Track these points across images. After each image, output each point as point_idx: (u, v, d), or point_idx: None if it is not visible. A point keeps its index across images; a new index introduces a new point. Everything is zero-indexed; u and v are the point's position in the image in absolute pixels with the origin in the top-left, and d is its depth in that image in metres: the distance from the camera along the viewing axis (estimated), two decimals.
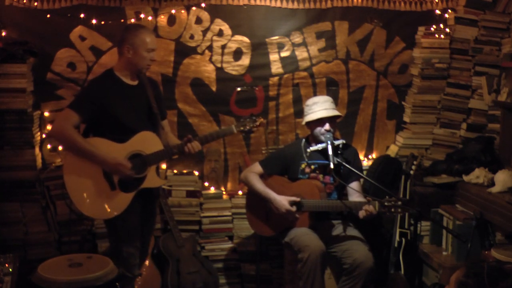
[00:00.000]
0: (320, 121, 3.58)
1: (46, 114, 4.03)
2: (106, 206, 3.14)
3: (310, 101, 3.68)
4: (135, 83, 3.25)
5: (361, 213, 3.35)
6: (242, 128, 3.35)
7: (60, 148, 4.02)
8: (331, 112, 3.59)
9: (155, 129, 3.24)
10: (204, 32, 4.17)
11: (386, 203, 3.30)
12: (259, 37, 4.23)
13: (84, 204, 3.14)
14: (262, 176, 3.71)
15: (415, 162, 3.93)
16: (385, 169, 4.15)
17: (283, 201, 3.52)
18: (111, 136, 3.13)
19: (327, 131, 3.56)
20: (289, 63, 4.30)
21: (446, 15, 4.36)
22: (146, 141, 3.17)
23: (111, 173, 3.12)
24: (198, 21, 4.16)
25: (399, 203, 3.30)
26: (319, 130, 3.59)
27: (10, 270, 3.07)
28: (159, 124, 3.27)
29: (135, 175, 3.14)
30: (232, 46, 4.22)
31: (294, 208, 3.51)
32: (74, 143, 3.07)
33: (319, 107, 3.60)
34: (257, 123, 3.37)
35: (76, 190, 3.13)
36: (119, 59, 3.23)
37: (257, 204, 3.70)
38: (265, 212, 3.68)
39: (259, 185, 3.64)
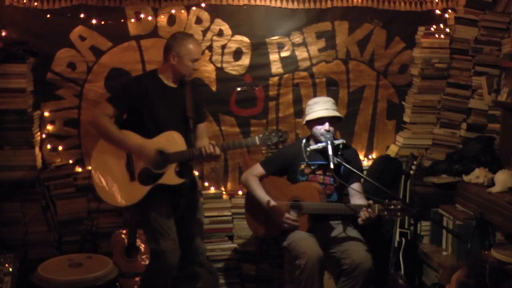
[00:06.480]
0: (320, 121, 3.58)
1: (46, 114, 4.02)
2: (120, 194, 3.29)
3: (312, 101, 3.68)
4: (175, 85, 3.38)
5: (359, 220, 3.33)
6: (267, 142, 3.31)
7: (60, 148, 4.06)
8: (332, 112, 3.59)
9: (186, 131, 3.35)
10: (204, 32, 4.17)
11: (387, 207, 3.27)
12: (259, 37, 4.23)
13: (101, 186, 3.31)
14: (263, 178, 3.71)
15: (415, 162, 3.93)
16: (385, 169, 4.14)
17: (282, 210, 3.54)
18: (142, 131, 3.29)
19: (327, 131, 3.55)
20: (289, 63, 4.30)
21: (446, 15, 4.36)
22: (171, 140, 3.29)
23: (135, 156, 3.26)
24: (198, 21, 4.15)
25: (399, 206, 3.26)
26: (318, 129, 3.58)
27: (10, 270, 3.08)
28: (191, 128, 3.38)
29: (156, 160, 3.25)
30: (232, 46, 4.22)
31: (293, 216, 3.52)
32: (106, 130, 3.26)
33: (320, 106, 3.60)
34: (282, 139, 3.32)
35: (98, 169, 3.32)
36: (163, 63, 3.38)
37: (256, 206, 3.69)
38: (264, 214, 3.67)
39: (259, 192, 3.65)
